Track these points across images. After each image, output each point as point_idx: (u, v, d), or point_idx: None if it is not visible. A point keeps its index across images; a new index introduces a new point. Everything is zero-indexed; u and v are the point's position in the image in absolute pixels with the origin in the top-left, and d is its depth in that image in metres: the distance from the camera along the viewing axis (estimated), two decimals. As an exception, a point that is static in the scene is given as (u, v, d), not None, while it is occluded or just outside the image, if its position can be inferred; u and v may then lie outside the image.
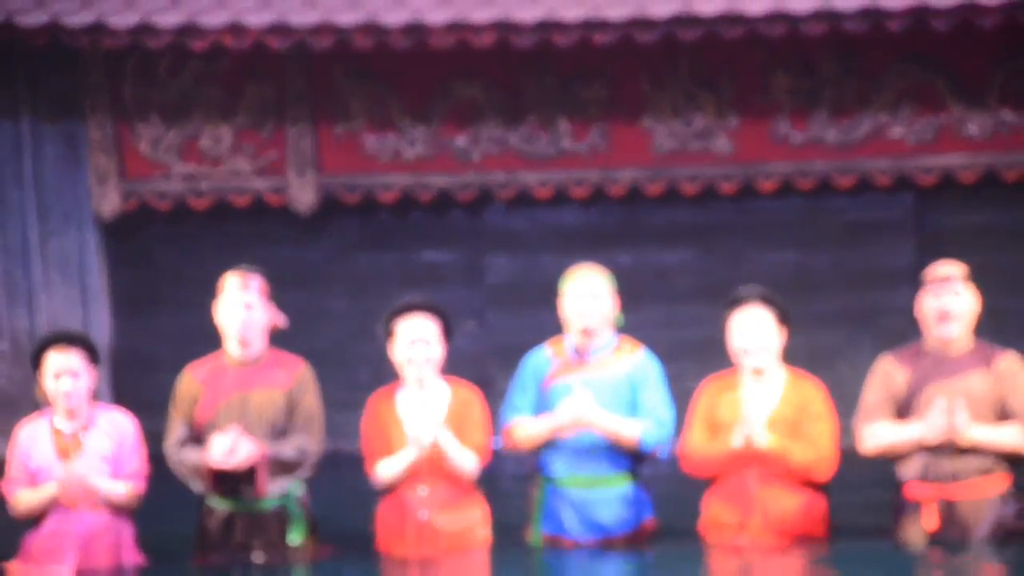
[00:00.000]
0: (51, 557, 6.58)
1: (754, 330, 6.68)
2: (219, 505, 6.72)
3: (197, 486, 6.67)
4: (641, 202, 9.39)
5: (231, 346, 6.78)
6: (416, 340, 6.66)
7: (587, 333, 6.84)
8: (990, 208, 9.00)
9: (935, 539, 6.67)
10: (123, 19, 8.69)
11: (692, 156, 9.23)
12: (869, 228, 9.41)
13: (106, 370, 9.21)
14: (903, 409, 6.75)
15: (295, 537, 6.76)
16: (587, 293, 6.85)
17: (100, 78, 9.23)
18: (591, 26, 8.57)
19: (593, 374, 6.82)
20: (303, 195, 9.29)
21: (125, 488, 6.60)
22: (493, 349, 9.61)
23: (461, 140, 9.27)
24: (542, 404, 6.81)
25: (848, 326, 9.43)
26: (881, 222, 9.40)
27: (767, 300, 6.74)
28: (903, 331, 9.14)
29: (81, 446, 6.59)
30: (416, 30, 8.61)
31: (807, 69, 9.12)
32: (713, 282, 9.23)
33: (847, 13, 8.48)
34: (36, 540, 6.63)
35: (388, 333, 6.73)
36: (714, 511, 6.76)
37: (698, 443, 6.72)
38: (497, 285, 9.50)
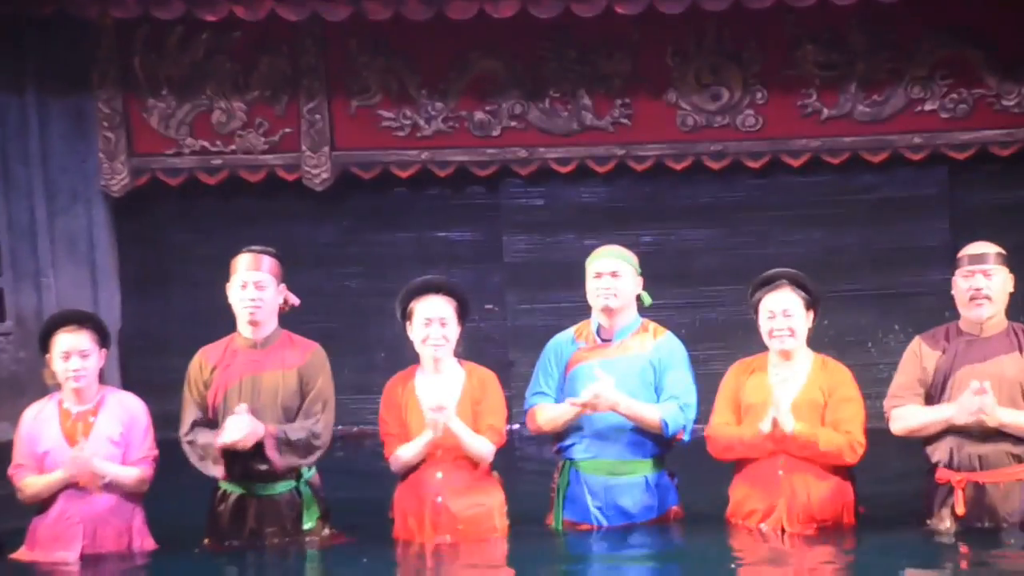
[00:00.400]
0: (58, 543, 6.54)
1: (783, 313, 6.67)
2: (232, 489, 6.69)
3: (210, 470, 6.61)
4: (665, 179, 9.31)
5: (242, 327, 6.74)
6: (432, 320, 6.67)
7: (608, 313, 6.85)
8: (1026, 184, 8.83)
9: (964, 523, 6.68)
10: (132, -11, 8.57)
11: (718, 131, 9.15)
12: (901, 205, 9.33)
13: (115, 351, 9.12)
14: (934, 390, 6.74)
15: (308, 521, 6.73)
16: (607, 273, 6.86)
17: (109, 50, 9.16)
18: (613, -4, 8.45)
19: (616, 356, 6.81)
20: (318, 171, 9.20)
21: (133, 472, 6.55)
22: (512, 329, 9.55)
23: (480, 115, 9.20)
24: (566, 387, 6.80)
25: (879, 306, 9.32)
26: (913, 199, 9.31)
27: (798, 283, 6.73)
28: (936, 311, 9.01)
29: (90, 429, 6.53)
30: (434, 0, 8.47)
31: (837, 40, 9.05)
32: (738, 261, 9.18)
33: (877, -18, 8.33)
34: (43, 526, 6.58)
35: (404, 313, 6.72)
36: (741, 497, 6.76)
37: (724, 426, 6.71)
38: (516, 264, 9.46)
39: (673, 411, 6.73)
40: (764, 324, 6.70)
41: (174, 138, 9.25)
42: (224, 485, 6.68)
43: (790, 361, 6.69)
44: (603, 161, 9.20)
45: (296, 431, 6.59)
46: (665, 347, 6.88)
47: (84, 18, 8.79)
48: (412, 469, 6.68)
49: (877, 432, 8.62)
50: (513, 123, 9.17)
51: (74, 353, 6.51)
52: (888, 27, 8.94)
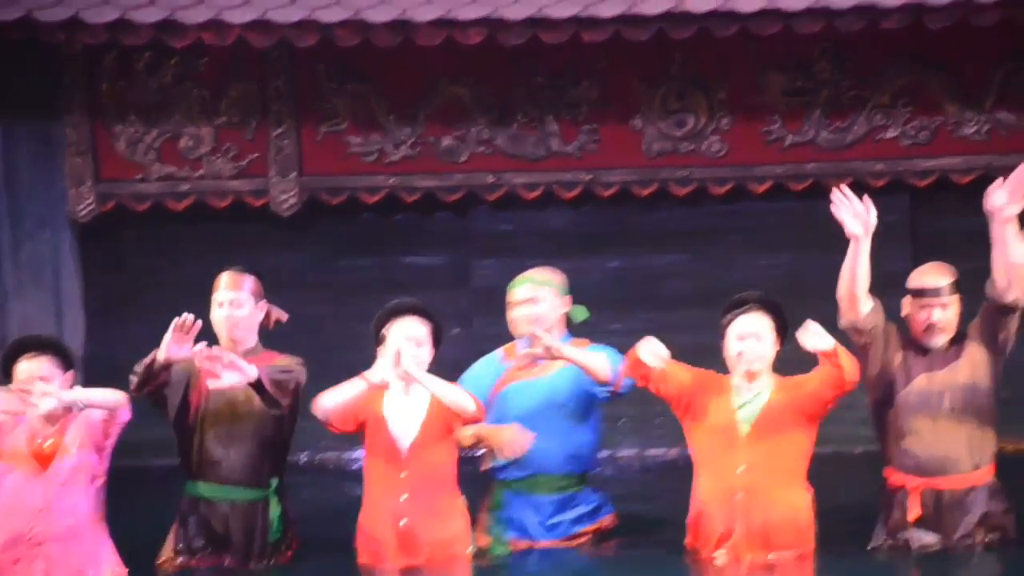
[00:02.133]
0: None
1: (755, 336, 6.87)
2: (201, 494, 6.94)
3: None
4: (631, 204, 9.47)
5: (223, 344, 7.05)
6: (408, 339, 6.81)
7: (533, 338, 7.08)
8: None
9: (918, 528, 6.90)
10: (100, 15, 8.74)
11: (683, 157, 9.29)
12: (864, 231, 9.37)
13: (80, 378, 9.13)
14: (883, 373, 7.03)
15: (275, 533, 6.95)
16: (524, 301, 7.18)
17: (76, 76, 9.32)
18: (581, 23, 8.62)
19: (543, 375, 7.13)
20: (285, 197, 9.27)
21: (108, 395, 6.68)
22: (479, 354, 9.53)
23: (447, 141, 9.32)
24: (494, 408, 7.07)
25: (841, 330, 9.36)
26: (877, 225, 9.34)
27: (770, 308, 6.95)
28: (899, 336, 9.04)
29: (57, 447, 6.65)
30: (402, 27, 8.69)
31: (801, 68, 9.22)
32: (705, 286, 9.30)
33: (841, 10, 8.53)
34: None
35: (379, 335, 6.90)
36: (699, 521, 6.89)
37: (667, 361, 6.94)
38: (484, 289, 9.54)
39: (607, 353, 7.07)
40: (733, 346, 6.91)
41: (141, 164, 9.39)
42: (192, 490, 6.95)
43: (753, 384, 6.88)
44: (570, 187, 9.35)
45: (275, 372, 6.88)
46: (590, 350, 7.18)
47: (51, 44, 8.92)
48: (378, 492, 6.77)
49: (840, 458, 8.76)
50: (480, 149, 9.32)
51: (35, 380, 6.62)
52: (851, 55, 9.18)
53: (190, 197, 9.35)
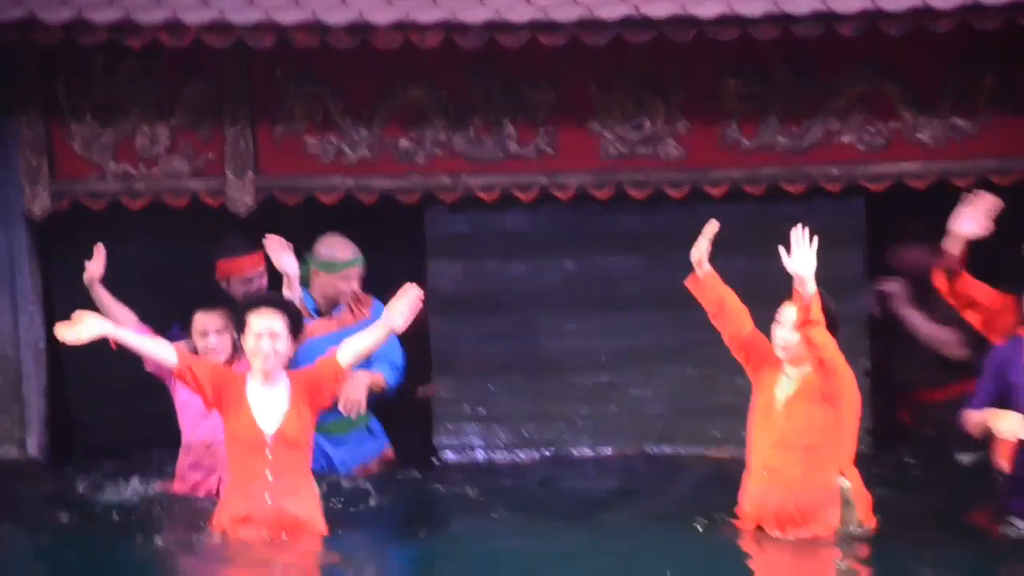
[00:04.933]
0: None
1: (779, 324, 7.56)
2: None
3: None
4: (588, 207, 9.58)
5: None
6: (262, 333, 7.50)
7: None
8: (942, 215, 9.15)
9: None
10: (56, 14, 8.78)
11: (640, 161, 9.41)
12: (820, 235, 9.51)
13: (41, 373, 9.30)
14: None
15: None
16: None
17: (32, 75, 9.39)
18: (538, 27, 8.73)
19: (338, 329, 8.60)
20: (241, 196, 9.35)
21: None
22: (436, 354, 9.68)
23: (404, 142, 9.42)
24: (298, 358, 7.93)
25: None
26: (832, 229, 9.45)
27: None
28: (853, 338, 9.33)
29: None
30: (360, 29, 8.77)
31: (758, 74, 9.35)
32: (661, 289, 9.40)
33: (799, 16, 8.65)
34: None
35: (241, 326, 7.65)
36: (742, 492, 7.44)
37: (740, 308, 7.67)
38: (440, 290, 9.63)
39: (389, 373, 8.78)
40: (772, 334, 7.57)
41: (97, 163, 9.46)
42: None
43: (798, 367, 7.44)
44: (527, 189, 9.47)
45: None
46: (375, 314, 8.42)
47: (6, 44, 8.96)
48: (243, 472, 7.52)
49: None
50: (437, 151, 9.43)
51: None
52: (808, 61, 9.33)
53: (146, 196, 9.41)
